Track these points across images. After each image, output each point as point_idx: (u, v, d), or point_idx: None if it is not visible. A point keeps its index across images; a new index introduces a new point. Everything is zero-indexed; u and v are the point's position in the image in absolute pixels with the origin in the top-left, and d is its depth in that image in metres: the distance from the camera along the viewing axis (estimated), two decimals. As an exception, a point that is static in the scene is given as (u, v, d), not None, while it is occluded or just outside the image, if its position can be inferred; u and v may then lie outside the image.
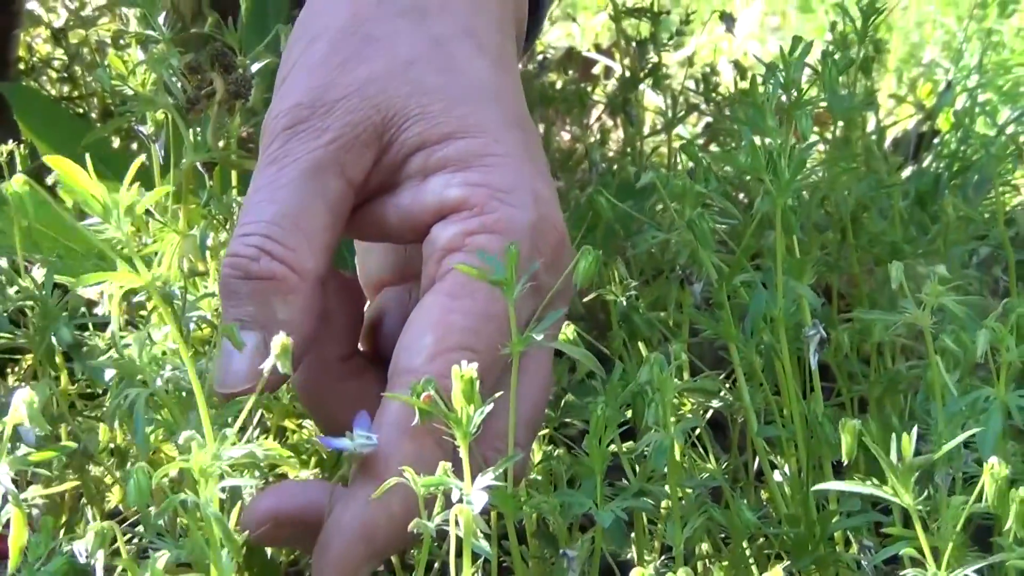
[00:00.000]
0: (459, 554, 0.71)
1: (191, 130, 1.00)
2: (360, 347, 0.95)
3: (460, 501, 0.71)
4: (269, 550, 1.01)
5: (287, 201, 0.85)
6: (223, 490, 0.67)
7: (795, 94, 0.96)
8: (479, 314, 0.83)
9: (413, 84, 0.87)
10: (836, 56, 1.02)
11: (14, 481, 0.72)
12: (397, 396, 0.80)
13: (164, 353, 0.80)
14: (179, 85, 1.01)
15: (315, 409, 0.95)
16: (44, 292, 0.95)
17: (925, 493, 0.72)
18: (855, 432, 0.75)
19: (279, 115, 0.87)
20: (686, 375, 1.03)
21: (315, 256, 0.85)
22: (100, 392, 1.05)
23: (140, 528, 0.95)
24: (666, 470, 0.85)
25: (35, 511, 0.97)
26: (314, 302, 0.85)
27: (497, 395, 0.74)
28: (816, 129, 1.56)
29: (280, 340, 0.71)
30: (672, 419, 0.83)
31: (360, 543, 0.80)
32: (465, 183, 0.85)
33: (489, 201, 0.85)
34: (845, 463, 0.76)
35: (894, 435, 0.71)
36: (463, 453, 0.71)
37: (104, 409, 1.03)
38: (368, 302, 0.99)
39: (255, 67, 1.04)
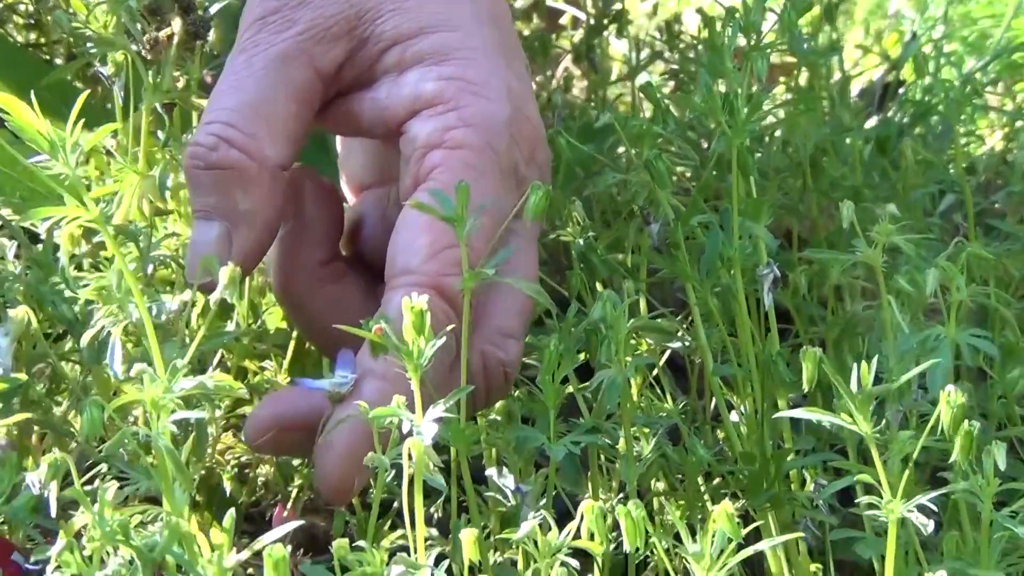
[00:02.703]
0: (412, 488, 0.71)
1: (150, 71, 1.00)
2: (341, 250, 0.96)
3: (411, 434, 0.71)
4: (228, 488, 1.01)
5: (251, 90, 0.86)
6: (176, 423, 0.67)
7: (755, 38, 0.97)
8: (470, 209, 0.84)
9: None
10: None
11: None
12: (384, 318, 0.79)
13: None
14: (139, 27, 1.00)
15: (296, 314, 0.95)
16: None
17: (879, 425, 0.73)
18: (816, 360, 0.75)
19: (253, 6, 0.88)
20: (644, 314, 1.03)
21: (276, 144, 0.86)
22: (60, 333, 1.04)
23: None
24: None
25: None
26: (275, 190, 0.86)
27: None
28: (782, 79, 1.57)
29: (227, 271, 0.71)
30: (627, 357, 0.84)
31: (367, 441, 0.79)
32: (440, 77, 0.86)
33: (463, 95, 0.86)
34: (805, 395, 0.76)
35: (854, 367, 0.72)
36: (415, 386, 0.71)
37: (66, 349, 1.03)
38: (349, 206, 0.99)
39: (214, 8, 1.04)
